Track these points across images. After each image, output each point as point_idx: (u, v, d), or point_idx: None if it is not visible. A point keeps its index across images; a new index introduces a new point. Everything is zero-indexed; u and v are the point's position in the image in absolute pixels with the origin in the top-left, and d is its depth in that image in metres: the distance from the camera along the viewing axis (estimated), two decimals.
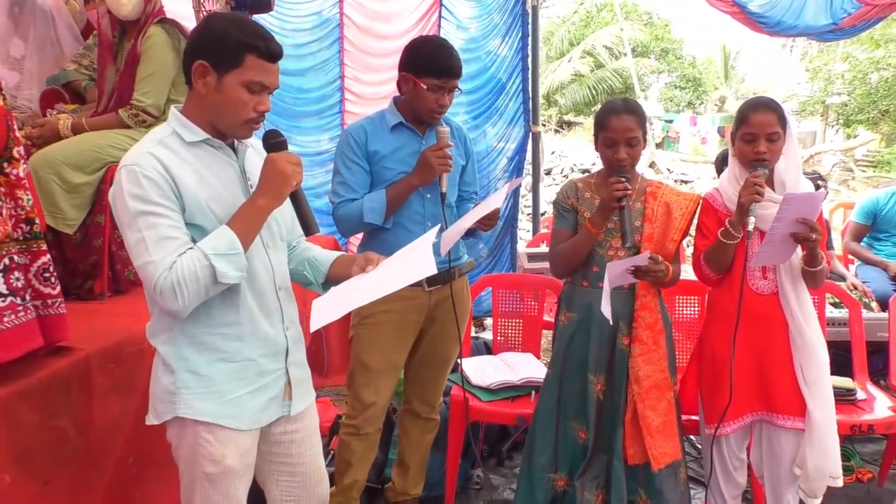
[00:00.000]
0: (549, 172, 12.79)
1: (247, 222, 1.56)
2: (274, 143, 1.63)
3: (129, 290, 2.77)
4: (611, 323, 2.18)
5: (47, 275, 1.87)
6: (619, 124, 2.20)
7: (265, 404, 1.69)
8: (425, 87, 2.26)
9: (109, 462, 2.04)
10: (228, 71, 1.53)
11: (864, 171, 19.14)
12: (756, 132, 2.21)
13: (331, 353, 3.84)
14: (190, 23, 3.03)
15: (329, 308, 1.61)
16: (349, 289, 1.69)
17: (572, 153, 14.17)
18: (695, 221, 2.39)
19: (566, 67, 22.07)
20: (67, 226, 2.55)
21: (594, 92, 22.12)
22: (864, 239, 4.39)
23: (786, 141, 2.24)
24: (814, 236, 2.10)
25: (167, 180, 1.50)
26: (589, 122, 24.99)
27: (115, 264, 2.70)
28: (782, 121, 2.22)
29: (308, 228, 1.70)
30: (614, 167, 2.23)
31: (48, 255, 1.87)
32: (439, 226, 1.88)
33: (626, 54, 19.37)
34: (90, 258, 2.61)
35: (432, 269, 1.54)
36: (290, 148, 1.69)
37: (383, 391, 2.44)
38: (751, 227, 2.15)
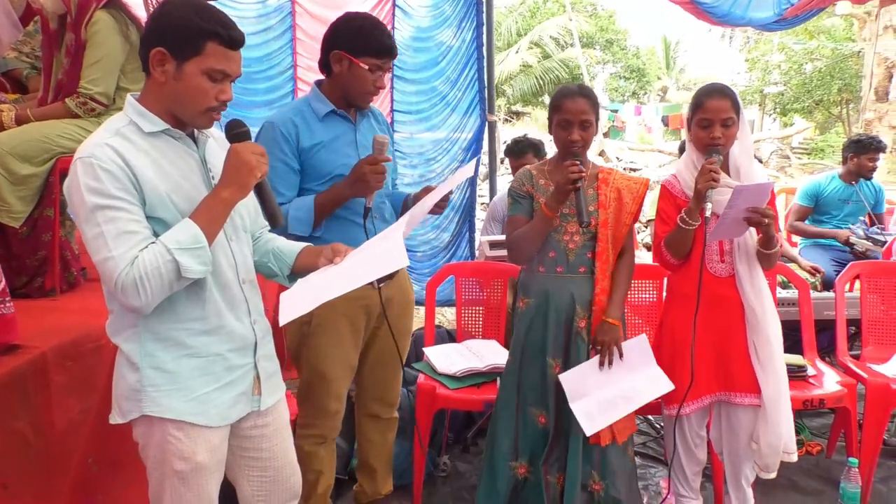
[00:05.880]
0: (501, 161, 12.91)
1: (211, 215, 1.51)
2: (237, 133, 1.59)
3: (81, 285, 2.68)
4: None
5: None
6: (573, 106, 2.23)
7: (234, 400, 1.65)
8: (366, 67, 2.13)
9: (70, 463, 1.98)
10: (188, 59, 1.49)
11: (799, 158, 19.90)
12: (711, 118, 2.26)
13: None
14: (136, 8, 2.92)
15: (298, 301, 1.58)
16: (318, 281, 1.66)
17: None
18: (646, 206, 2.45)
19: (514, 58, 22.21)
20: (13, 219, 2.44)
21: (542, 82, 22.34)
22: (807, 221, 4.57)
23: (739, 127, 2.31)
24: (766, 221, 2.17)
25: (126, 172, 1.45)
26: (537, 113, 25.22)
27: (65, 259, 2.61)
28: (736, 106, 2.28)
29: (273, 220, 1.67)
30: (568, 149, 2.26)
31: None
32: (408, 216, 1.83)
33: (573, 45, 19.60)
34: (39, 253, 2.51)
35: (405, 261, 1.52)
36: None
37: (343, 395, 2.36)
38: (708, 213, 2.20)
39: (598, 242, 2.30)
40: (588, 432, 2.22)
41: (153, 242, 1.46)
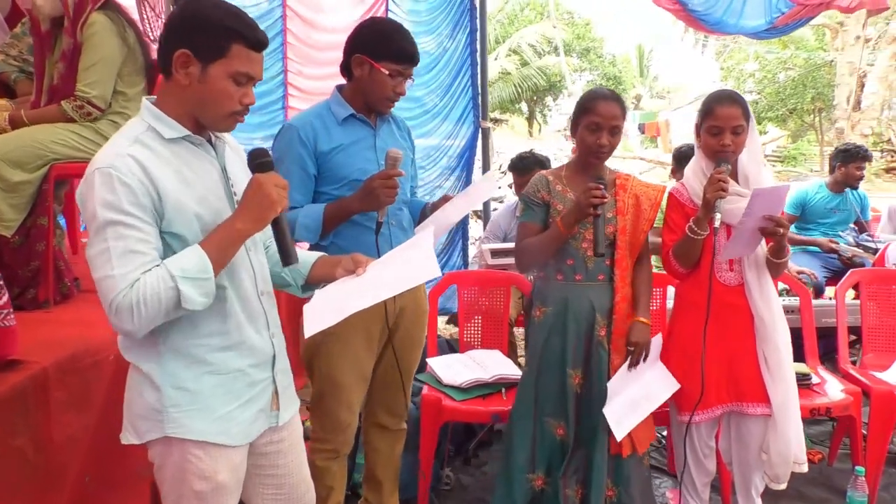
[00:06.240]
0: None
1: (222, 245, 1.43)
2: (261, 163, 1.51)
3: (74, 296, 2.58)
4: None
5: None
6: (606, 110, 2.18)
7: (255, 416, 1.59)
8: (387, 72, 2.09)
9: (66, 480, 1.91)
10: (213, 61, 1.42)
11: (773, 166, 20.22)
12: (721, 125, 2.24)
13: (293, 354, 3.69)
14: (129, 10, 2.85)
15: (323, 314, 1.53)
16: (342, 292, 1.61)
17: (504, 149, 14.39)
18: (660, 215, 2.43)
19: (492, 65, 22.31)
20: (5, 227, 2.35)
21: (520, 89, 22.50)
22: (791, 228, 4.61)
23: (748, 133, 2.30)
24: (781, 231, 2.16)
25: (145, 186, 1.38)
26: (514, 120, 25.32)
27: (58, 269, 2.52)
28: (746, 114, 2.27)
29: (287, 258, 1.56)
30: (593, 153, 2.22)
31: None
32: (431, 224, 1.78)
33: (549, 52, 19.76)
34: (32, 263, 2.41)
35: (436, 272, 1.48)
36: None
37: (356, 406, 2.30)
38: (717, 224, 2.18)
39: (617, 250, 2.27)
40: (618, 437, 2.21)
41: (157, 265, 1.38)
